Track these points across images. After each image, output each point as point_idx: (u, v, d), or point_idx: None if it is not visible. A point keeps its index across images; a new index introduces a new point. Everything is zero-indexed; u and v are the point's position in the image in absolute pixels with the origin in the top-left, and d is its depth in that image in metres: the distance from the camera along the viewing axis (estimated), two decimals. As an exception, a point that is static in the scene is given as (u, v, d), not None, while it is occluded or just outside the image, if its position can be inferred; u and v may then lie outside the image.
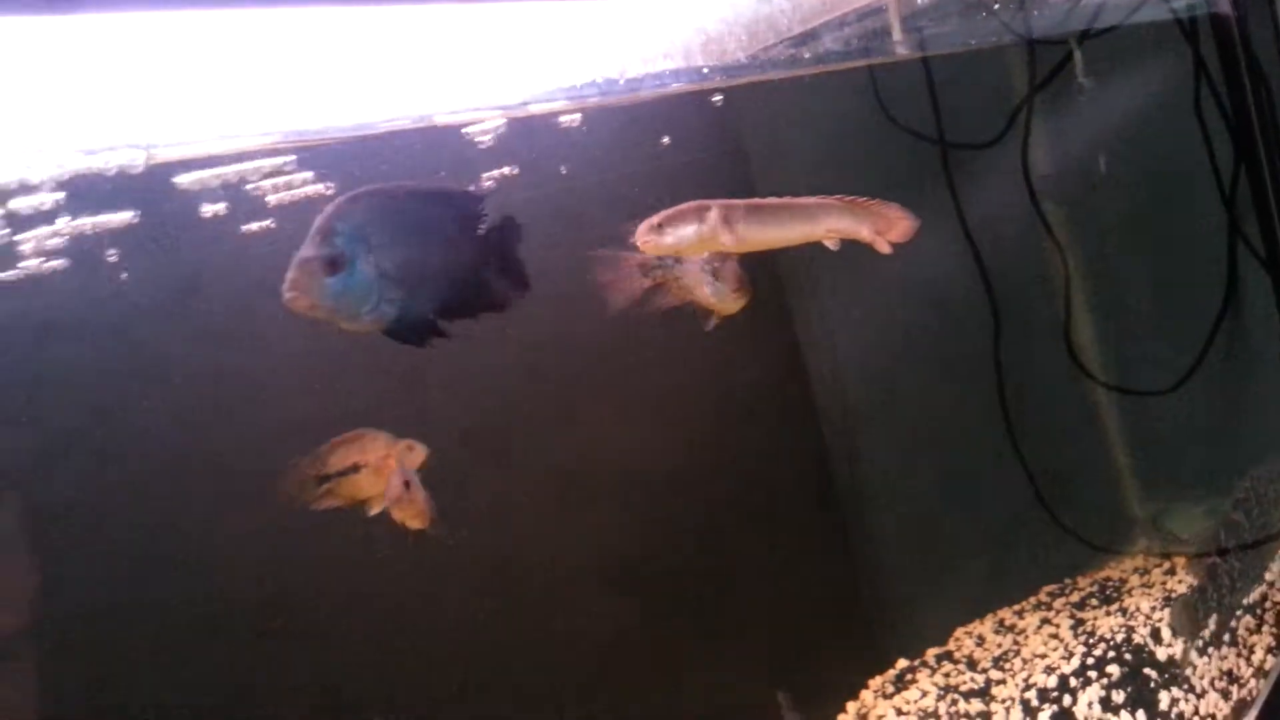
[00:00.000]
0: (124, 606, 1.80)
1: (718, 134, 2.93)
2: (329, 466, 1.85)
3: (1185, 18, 2.95)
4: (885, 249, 2.03)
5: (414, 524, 1.78)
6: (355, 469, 1.85)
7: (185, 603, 1.88)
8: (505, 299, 1.62)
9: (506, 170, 1.99)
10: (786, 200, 2.05)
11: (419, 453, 1.90)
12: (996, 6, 2.71)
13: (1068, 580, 3.13)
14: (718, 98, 2.70)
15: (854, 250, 3.36)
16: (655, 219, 1.86)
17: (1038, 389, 3.34)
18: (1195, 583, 2.49)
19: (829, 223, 2.03)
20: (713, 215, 1.89)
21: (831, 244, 2.07)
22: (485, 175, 1.93)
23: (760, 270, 2.93)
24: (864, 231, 2.04)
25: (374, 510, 1.84)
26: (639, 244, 1.86)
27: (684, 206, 1.90)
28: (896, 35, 2.47)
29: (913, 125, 3.16)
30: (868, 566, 3.22)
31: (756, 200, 2.02)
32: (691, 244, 1.90)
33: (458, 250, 1.56)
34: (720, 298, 2.07)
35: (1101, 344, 3.37)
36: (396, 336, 1.46)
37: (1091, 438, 3.41)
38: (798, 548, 3.02)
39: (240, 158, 1.50)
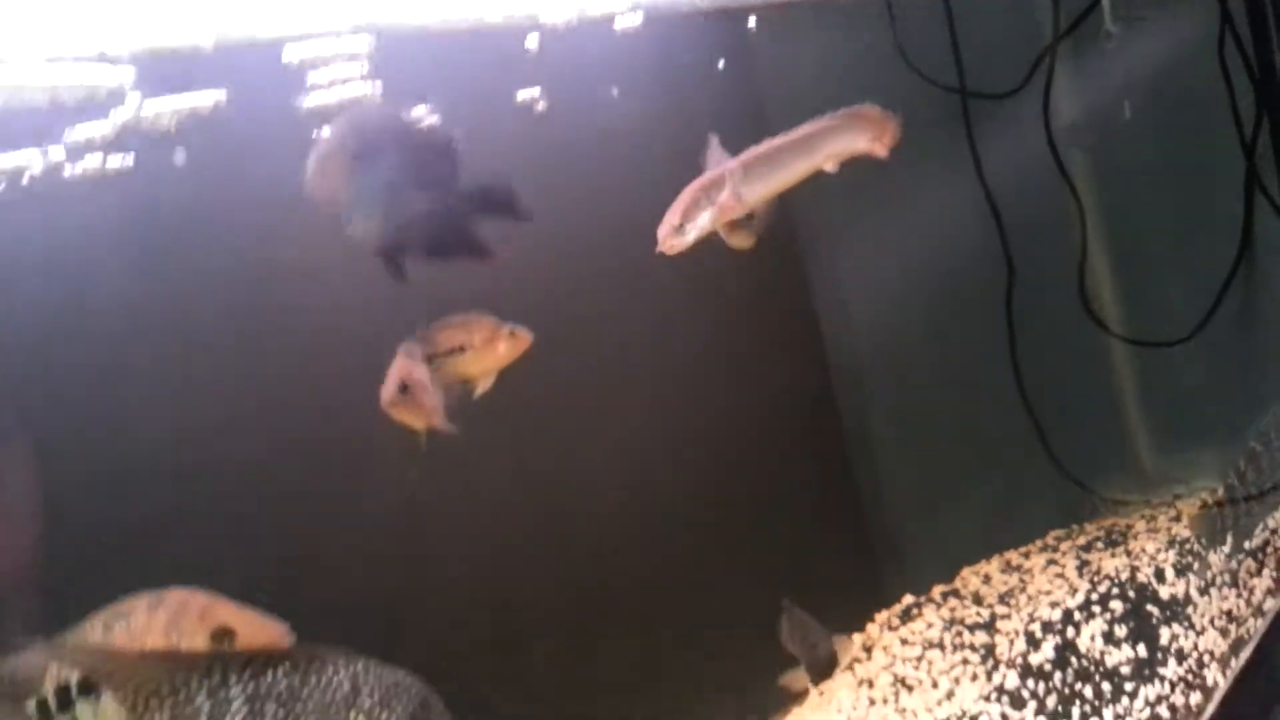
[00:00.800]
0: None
1: (732, 69, 2.91)
2: (436, 346, 1.93)
3: (1214, -36, 2.94)
4: (884, 153, 2.04)
5: (416, 424, 1.83)
6: (461, 350, 1.94)
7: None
8: (484, 250, 1.59)
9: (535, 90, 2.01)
10: (783, 140, 2.05)
11: (522, 339, 1.97)
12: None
13: (1075, 526, 3.17)
14: (752, 21, 2.71)
15: (870, 194, 3.37)
16: (673, 218, 1.88)
17: (1052, 339, 3.34)
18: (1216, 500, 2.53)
19: (828, 148, 2.06)
20: (725, 195, 1.92)
21: (831, 166, 2.09)
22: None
23: (776, 216, 2.97)
24: (862, 143, 2.05)
25: (478, 392, 1.95)
26: (665, 249, 1.88)
27: (690, 193, 1.91)
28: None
29: (932, 71, 3.14)
30: (877, 511, 3.26)
31: (754, 151, 2.02)
32: (713, 226, 1.92)
33: (450, 188, 1.55)
34: (727, 236, 2.10)
35: (1117, 294, 3.38)
36: (390, 256, 1.45)
37: (1104, 388, 3.44)
38: (809, 491, 3.06)
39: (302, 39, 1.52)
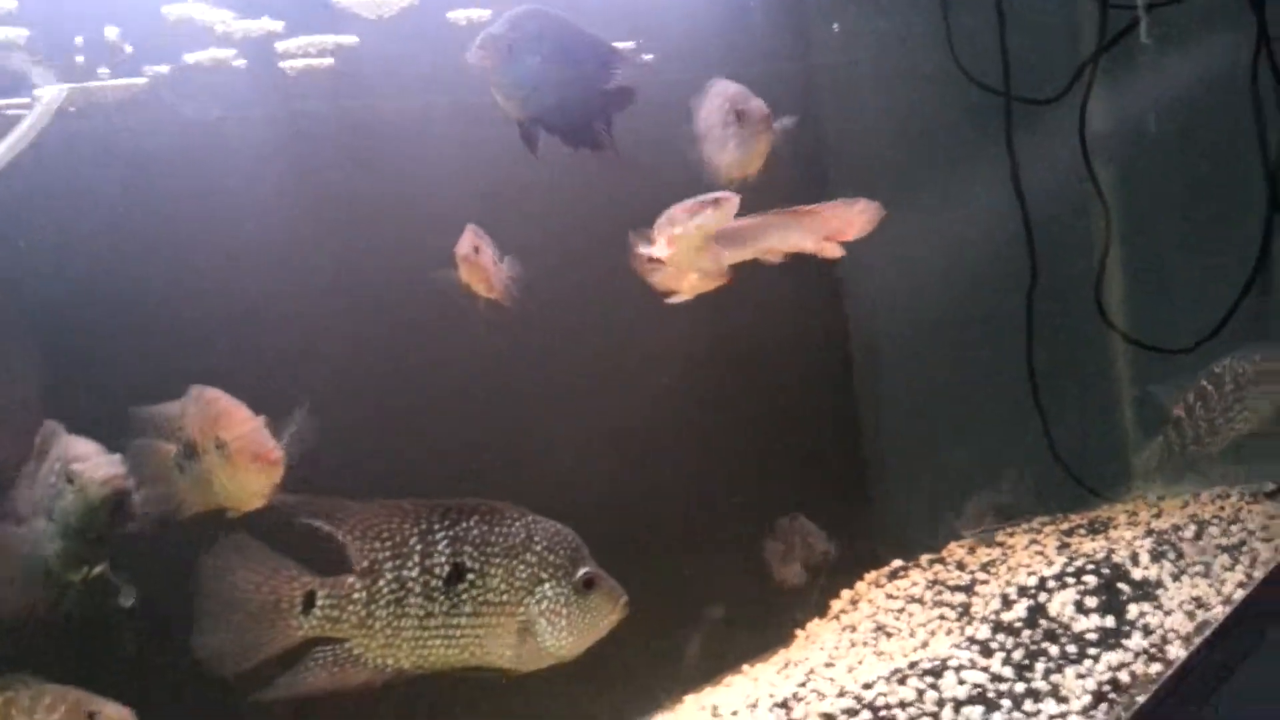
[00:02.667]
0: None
1: (785, 43, 3.03)
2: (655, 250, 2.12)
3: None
4: (834, 253, 2.15)
5: (478, 288, 2.03)
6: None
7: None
8: (603, 143, 1.86)
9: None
10: (735, 224, 2.12)
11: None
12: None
13: (1060, 515, 3.32)
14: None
15: (905, 197, 3.49)
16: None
17: (1064, 341, 3.48)
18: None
19: (766, 242, 2.15)
20: None
21: (773, 258, 2.19)
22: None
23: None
24: (808, 244, 2.14)
25: (673, 300, 2.14)
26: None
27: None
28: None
29: (976, 74, 3.27)
30: (881, 490, 3.40)
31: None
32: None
33: (588, 87, 1.82)
34: (742, 146, 2.09)
35: (1130, 302, 3.51)
36: (526, 131, 1.76)
37: (1105, 390, 3.58)
38: (820, 464, 3.20)
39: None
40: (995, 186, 3.43)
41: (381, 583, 1.40)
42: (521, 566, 1.43)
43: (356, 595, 1.39)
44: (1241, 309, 3.35)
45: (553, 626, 1.44)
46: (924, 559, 3.09)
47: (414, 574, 1.40)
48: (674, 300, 2.17)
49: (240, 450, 1.58)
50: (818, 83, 3.28)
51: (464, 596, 1.41)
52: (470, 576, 1.42)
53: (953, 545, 3.19)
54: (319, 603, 1.39)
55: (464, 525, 1.42)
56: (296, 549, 1.47)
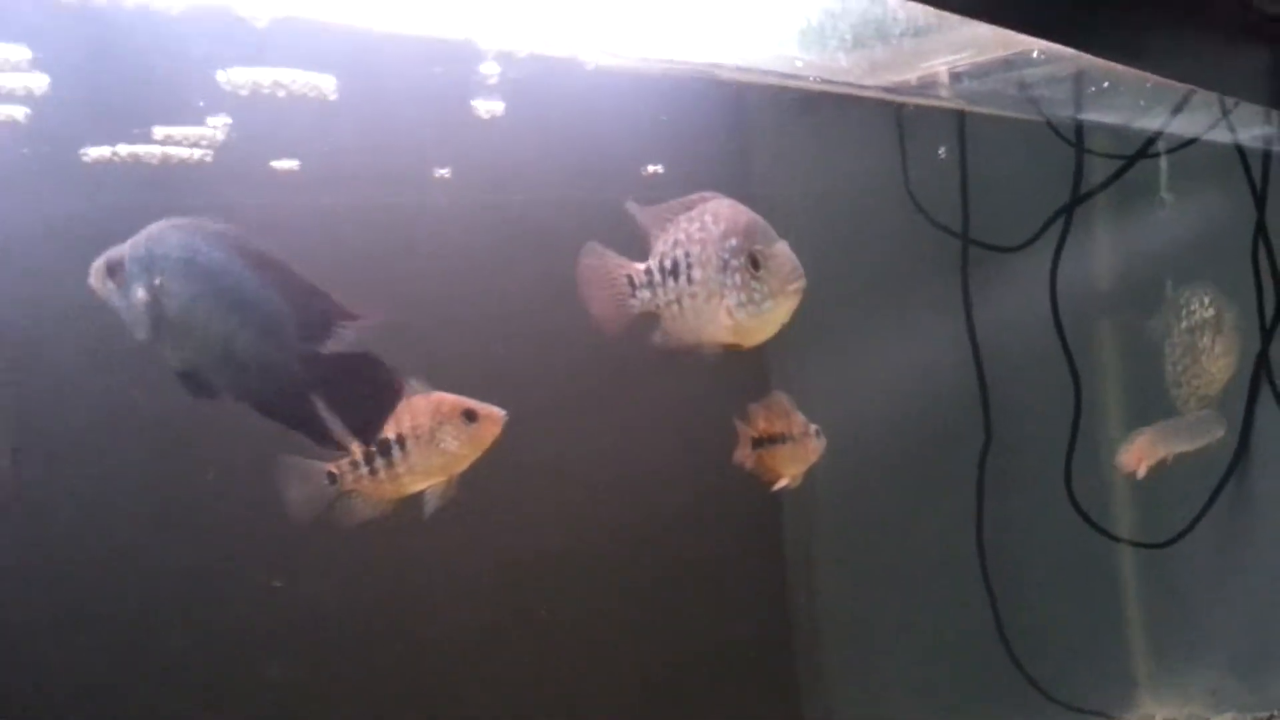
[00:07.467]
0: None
1: (728, 167, 2.68)
2: (760, 430, 1.91)
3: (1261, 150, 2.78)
4: None
5: None
6: (781, 439, 1.90)
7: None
8: (324, 436, 1.35)
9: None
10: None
11: (821, 442, 1.94)
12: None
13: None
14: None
15: (847, 338, 3.09)
16: None
17: (1028, 523, 3.03)
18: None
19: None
20: None
21: None
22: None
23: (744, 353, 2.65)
24: None
25: (779, 485, 1.91)
26: None
27: None
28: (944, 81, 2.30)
29: (943, 215, 2.94)
30: (815, 698, 2.83)
31: None
32: None
33: (278, 352, 1.32)
34: (758, 306, 1.38)
35: (1129, 491, 3.04)
36: (186, 385, 1.33)
37: (1092, 587, 3.09)
38: (741, 665, 2.68)
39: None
40: (956, 346, 3.03)
41: None
42: None
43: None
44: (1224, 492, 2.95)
45: None
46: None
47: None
48: (779, 487, 1.94)
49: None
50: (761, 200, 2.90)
51: None
52: None
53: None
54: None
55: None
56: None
